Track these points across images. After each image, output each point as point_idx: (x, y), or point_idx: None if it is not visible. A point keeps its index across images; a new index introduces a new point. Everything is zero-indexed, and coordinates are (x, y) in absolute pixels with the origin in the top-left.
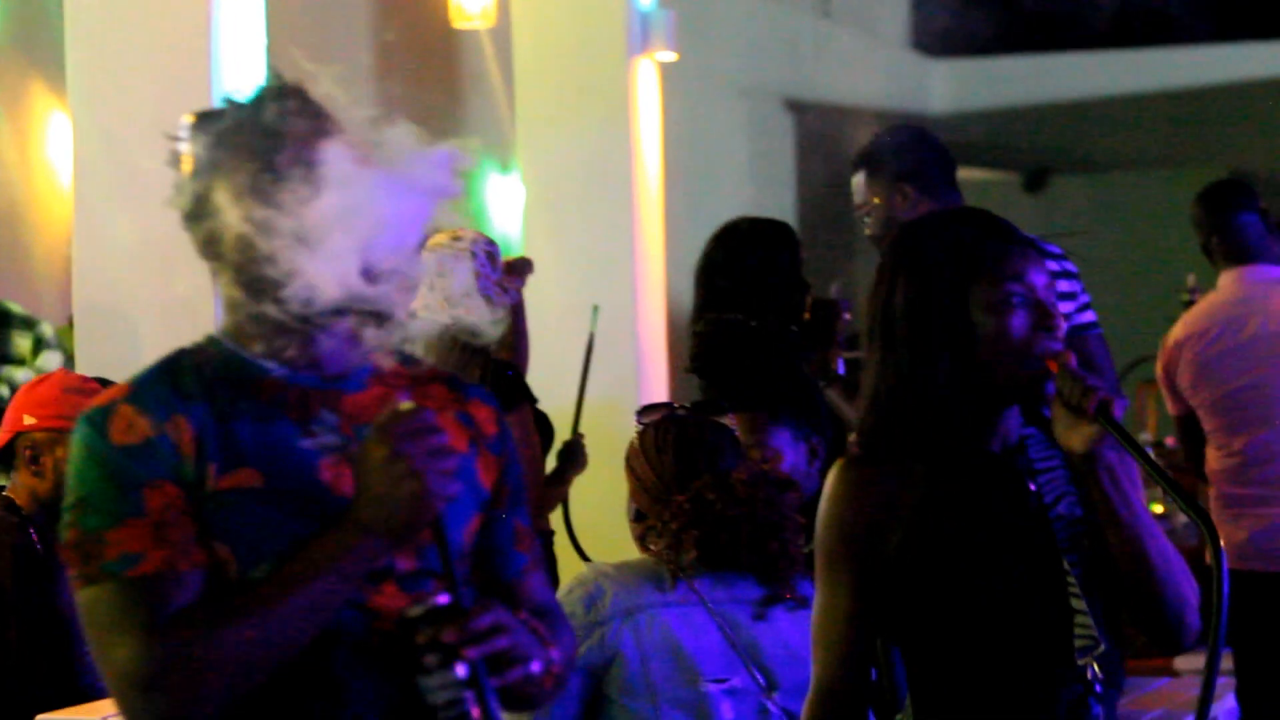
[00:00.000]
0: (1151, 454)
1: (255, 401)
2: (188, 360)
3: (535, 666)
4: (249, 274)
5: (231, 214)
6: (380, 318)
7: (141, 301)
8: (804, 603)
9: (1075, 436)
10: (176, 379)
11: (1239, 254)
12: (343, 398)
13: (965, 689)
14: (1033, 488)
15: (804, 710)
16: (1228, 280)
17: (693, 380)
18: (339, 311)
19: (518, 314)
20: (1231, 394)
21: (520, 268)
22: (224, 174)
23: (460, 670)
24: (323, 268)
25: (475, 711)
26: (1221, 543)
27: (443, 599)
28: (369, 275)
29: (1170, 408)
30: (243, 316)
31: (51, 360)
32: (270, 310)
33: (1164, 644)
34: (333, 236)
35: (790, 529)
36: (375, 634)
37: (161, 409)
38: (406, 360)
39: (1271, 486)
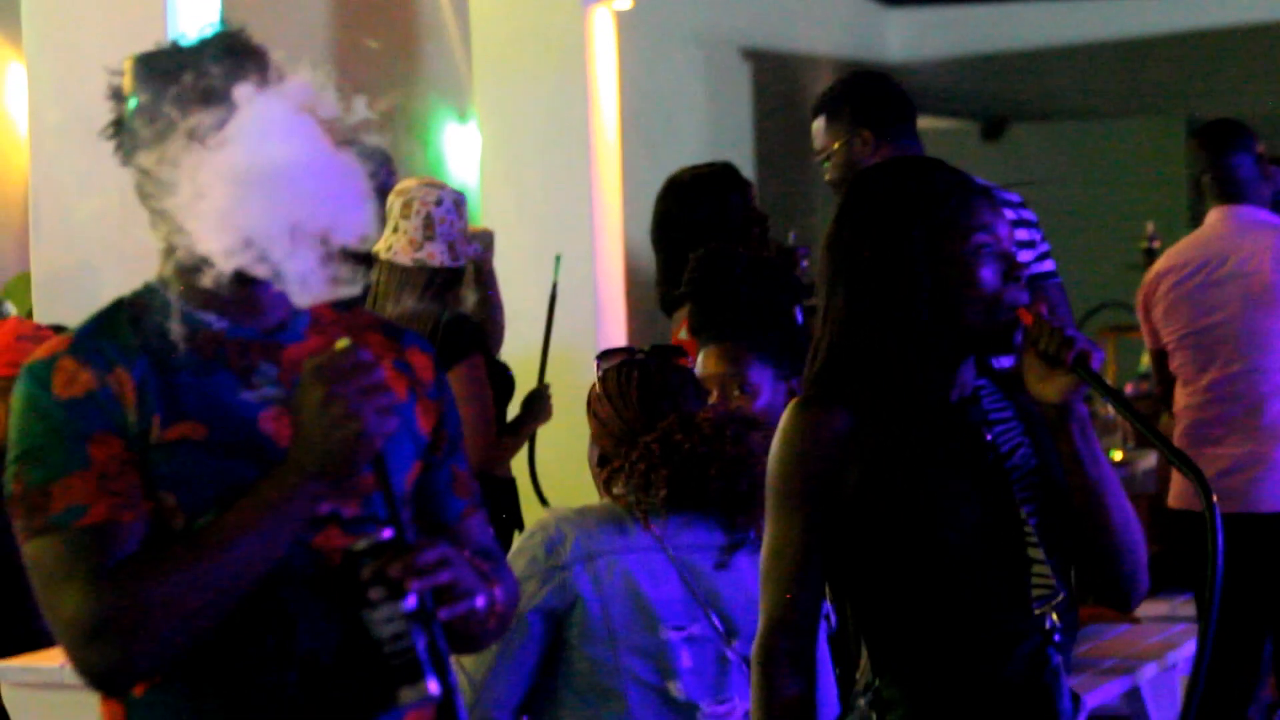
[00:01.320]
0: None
1: (195, 354)
2: (127, 311)
3: (480, 601)
4: (182, 222)
5: (166, 159)
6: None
7: (99, 252)
8: None
9: (1050, 387)
10: (116, 331)
11: (1228, 193)
12: (282, 349)
13: (922, 640)
14: (989, 438)
15: (755, 644)
16: (1214, 218)
17: (651, 329)
18: (268, 266)
19: (488, 284)
20: (1201, 330)
21: (482, 239)
22: (160, 118)
23: (407, 603)
24: (251, 220)
25: (421, 644)
26: (1212, 495)
27: (387, 533)
28: (300, 229)
29: (1148, 342)
30: (179, 266)
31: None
32: (204, 262)
33: (1114, 603)
34: (262, 188)
35: (758, 467)
36: (322, 571)
37: (103, 361)
38: (344, 308)
39: (1232, 426)
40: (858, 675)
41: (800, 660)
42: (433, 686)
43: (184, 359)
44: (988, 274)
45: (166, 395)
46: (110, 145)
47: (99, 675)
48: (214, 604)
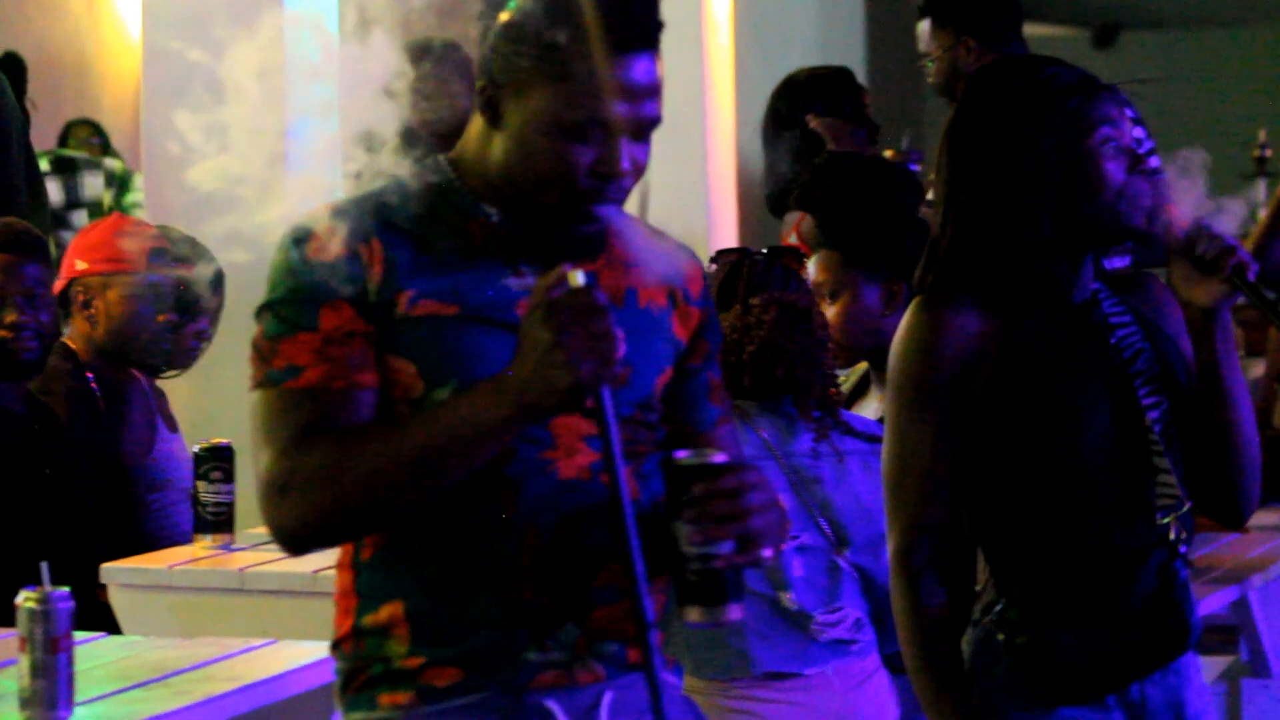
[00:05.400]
0: None
1: (466, 239)
2: (403, 188)
3: (768, 552)
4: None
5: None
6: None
7: (209, 147)
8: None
9: (1201, 291)
10: (384, 204)
11: None
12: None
13: (1046, 551)
14: (1113, 340)
15: (892, 554)
16: None
17: (762, 230)
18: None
19: None
20: None
21: None
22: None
23: (722, 546)
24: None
25: (727, 570)
26: None
27: (719, 457)
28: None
29: None
30: (487, 156)
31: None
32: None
33: (1226, 518)
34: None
35: (798, 355)
36: (556, 447)
37: (359, 232)
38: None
39: None
40: (977, 588)
41: (943, 567)
42: (734, 612)
43: (453, 243)
44: (1114, 168)
45: (423, 274)
46: (221, 44)
47: (278, 531)
48: (401, 492)
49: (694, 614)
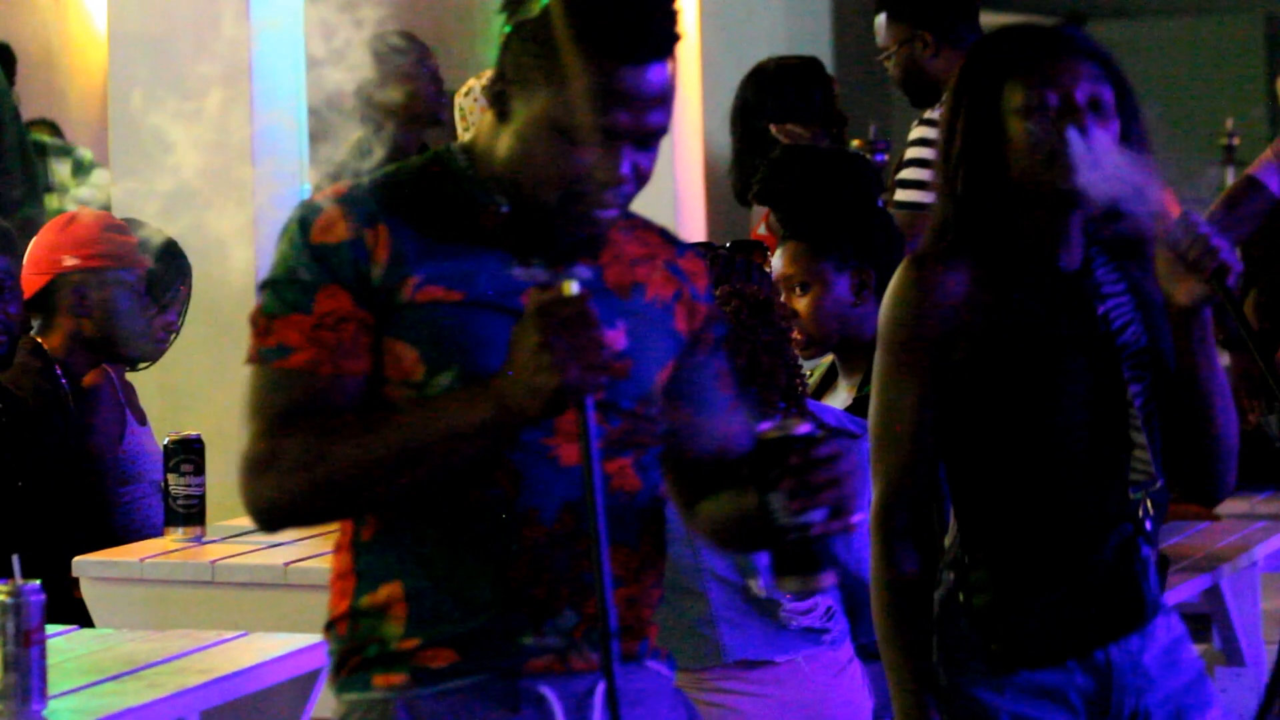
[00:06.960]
0: None
1: (476, 228)
2: (414, 173)
3: (856, 519)
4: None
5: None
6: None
7: (178, 148)
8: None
9: (1181, 289)
10: (393, 189)
11: None
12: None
13: (1015, 515)
14: (1101, 311)
15: (872, 514)
16: None
17: (730, 222)
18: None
19: None
20: None
21: None
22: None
23: (815, 513)
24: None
25: (822, 539)
26: None
27: (804, 428)
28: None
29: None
30: (495, 149)
31: (100, 177)
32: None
33: (1200, 497)
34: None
35: (761, 346)
36: (557, 433)
37: (366, 216)
38: (629, 211)
39: None
40: (946, 543)
41: (920, 533)
42: (828, 579)
43: (461, 231)
44: (1044, 126)
45: (430, 259)
46: (185, 36)
47: (253, 508)
48: (377, 485)
49: (793, 584)
